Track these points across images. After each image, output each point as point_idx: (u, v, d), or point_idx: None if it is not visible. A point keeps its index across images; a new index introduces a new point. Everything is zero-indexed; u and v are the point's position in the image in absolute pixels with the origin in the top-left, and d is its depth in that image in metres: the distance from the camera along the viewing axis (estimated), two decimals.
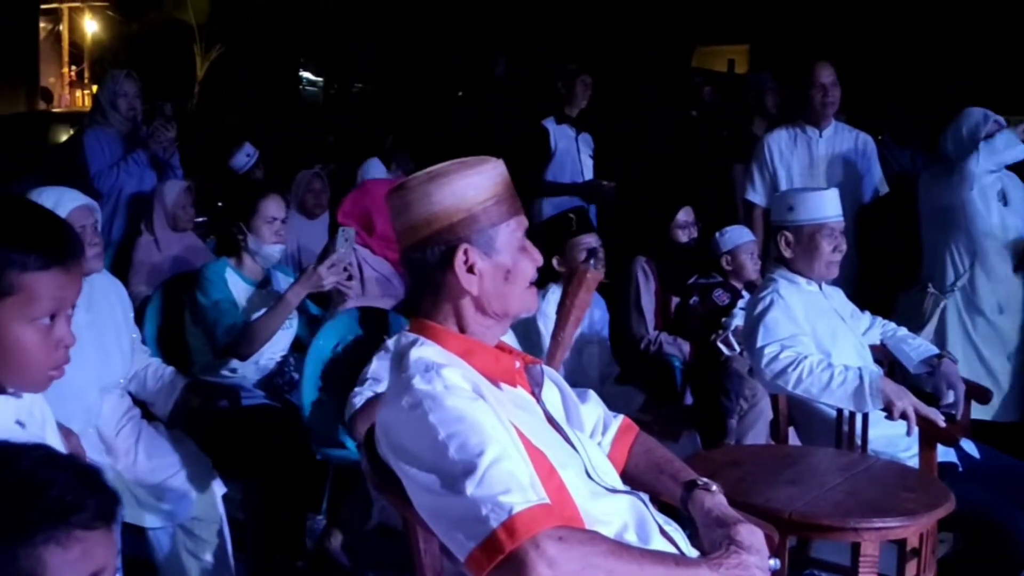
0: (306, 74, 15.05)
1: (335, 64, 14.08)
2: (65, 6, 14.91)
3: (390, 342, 2.84)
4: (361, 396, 2.78)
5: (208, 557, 3.05)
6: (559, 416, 1.91)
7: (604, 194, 5.64)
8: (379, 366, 2.80)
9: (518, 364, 1.87)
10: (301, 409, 3.09)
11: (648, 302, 4.11)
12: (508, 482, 1.56)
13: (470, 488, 1.56)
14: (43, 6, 14.60)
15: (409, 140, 7.97)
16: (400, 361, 1.79)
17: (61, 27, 15.12)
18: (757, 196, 4.84)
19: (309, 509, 3.45)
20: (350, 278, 3.55)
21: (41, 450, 1.16)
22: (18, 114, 10.69)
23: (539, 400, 1.88)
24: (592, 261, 3.52)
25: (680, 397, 4.02)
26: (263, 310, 3.45)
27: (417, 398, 1.68)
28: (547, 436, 1.80)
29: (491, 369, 1.81)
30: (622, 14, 12.80)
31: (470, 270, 1.78)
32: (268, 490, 3.27)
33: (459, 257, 1.77)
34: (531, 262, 1.84)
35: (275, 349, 3.58)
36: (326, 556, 3.45)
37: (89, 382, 2.88)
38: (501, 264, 1.80)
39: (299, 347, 3.70)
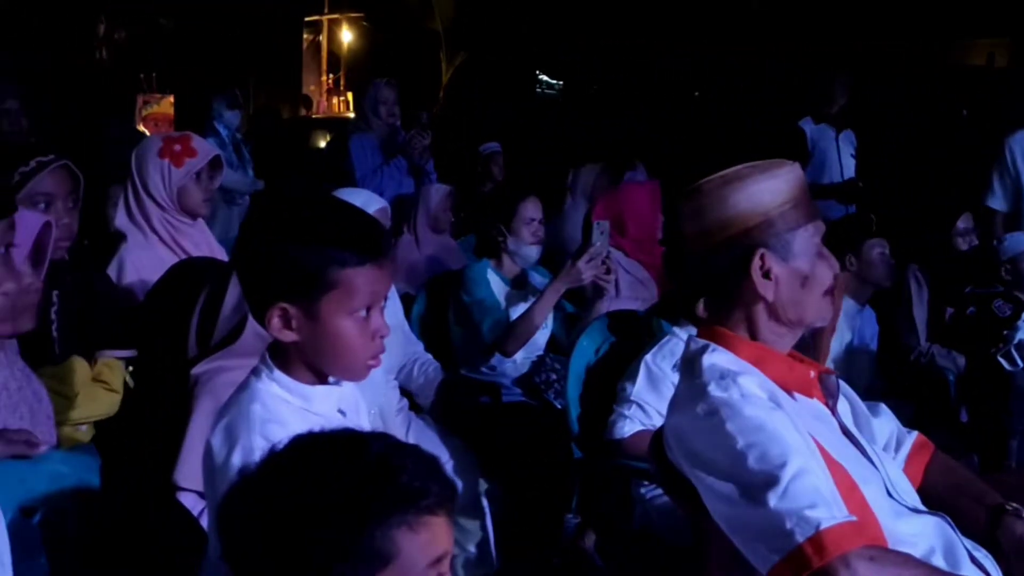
0: (544, 76, 15.35)
1: (574, 66, 14.25)
2: (325, 18, 15.89)
3: (649, 357, 2.80)
4: (627, 421, 2.75)
5: (472, 548, 3.14)
6: (854, 430, 1.84)
7: (856, 194, 5.41)
8: (644, 387, 2.74)
9: (812, 374, 1.82)
10: (566, 409, 3.13)
11: (920, 312, 3.89)
12: (813, 496, 1.52)
13: (772, 500, 1.52)
14: (306, 19, 15.68)
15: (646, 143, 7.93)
16: (691, 367, 1.77)
17: (321, 38, 16.13)
18: (997, 201, 4.58)
19: (565, 507, 3.50)
20: (608, 271, 3.56)
21: (387, 438, 1.22)
22: (283, 120, 11.48)
23: (834, 412, 1.82)
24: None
25: (954, 414, 3.78)
26: (522, 307, 3.53)
27: (713, 405, 1.66)
28: (845, 450, 1.74)
29: (785, 378, 1.77)
30: (875, 10, 12.20)
31: (766, 275, 1.74)
32: (525, 486, 3.33)
33: (756, 262, 1.73)
34: (829, 268, 1.78)
35: (532, 348, 3.65)
36: (580, 555, 3.48)
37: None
38: (798, 270, 1.75)
39: (554, 346, 3.76)
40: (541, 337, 3.66)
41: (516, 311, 3.55)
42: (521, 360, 3.65)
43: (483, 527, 3.16)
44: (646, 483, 2.82)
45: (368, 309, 1.56)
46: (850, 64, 5.91)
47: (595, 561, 3.47)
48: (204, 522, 1.93)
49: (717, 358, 1.75)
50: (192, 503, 2.04)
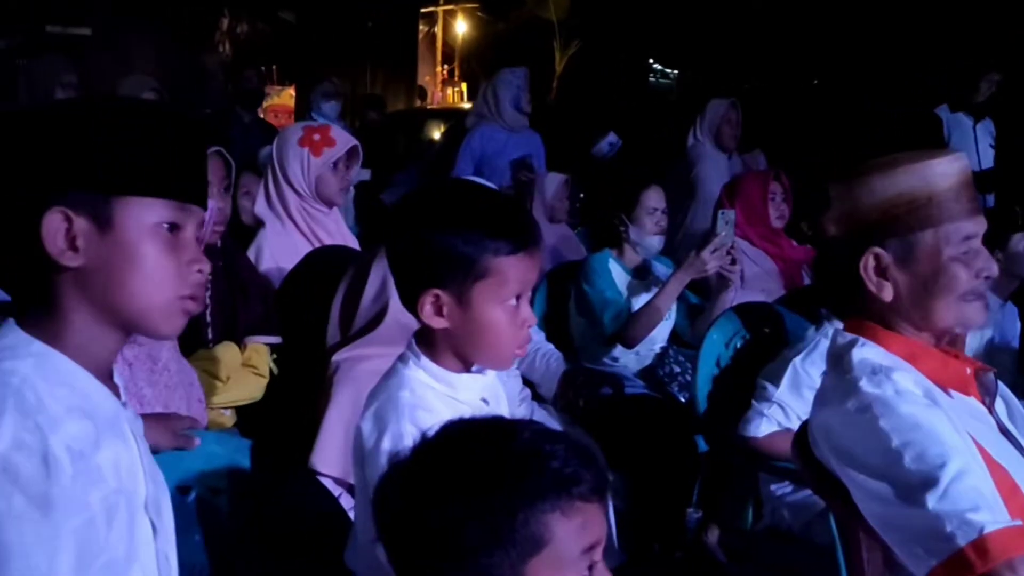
0: (657, 65, 15.22)
1: (686, 55, 14.09)
2: (440, 9, 16.10)
3: (797, 361, 2.72)
4: (764, 420, 2.68)
5: None
6: (1013, 429, 1.76)
7: (996, 183, 5.21)
8: (788, 390, 2.63)
9: (968, 370, 1.74)
10: (693, 403, 3.08)
11: None
12: (975, 498, 1.46)
13: (931, 502, 1.47)
14: (422, 10, 15.91)
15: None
16: (839, 362, 1.72)
17: (436, 29, 16.34)
18: None
19: (687, 501, 3.45)
20: (733, 262, 3.48)
21: (536, 425, 1.22)
22: (399, 111, 11.66)
23: (992, 411, 1.74)
24: None
25: None
26: (644, 298, 3.49)
27: (866, 401, 1.60)
28: (1005, 450, 1.66)
29: (940, 375, 1.69)
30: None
31: (881, 275, 1.67)
32: (647, 479, 3.30)
33: (866, 261, 1.66)
34: (966, 270, 1.66)
35: (654, 340, 3.60)
36: (703, 550, 3.43)
37: None
38: (918, 273, 1.66)
39: (676, 338, 3.71)
40: (664, 329, 3.62)
41: (638, 302, 3.51)
42: (643, 352, 3.61)
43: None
44: (777, 481, 2.76)
45: (518, 298, 1.57)
46: (991, 51, 5.65)
47: (718, 557, 3.43)
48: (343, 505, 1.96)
49: (868, 352, 1.69)
50: (330, 488, 2.08)
